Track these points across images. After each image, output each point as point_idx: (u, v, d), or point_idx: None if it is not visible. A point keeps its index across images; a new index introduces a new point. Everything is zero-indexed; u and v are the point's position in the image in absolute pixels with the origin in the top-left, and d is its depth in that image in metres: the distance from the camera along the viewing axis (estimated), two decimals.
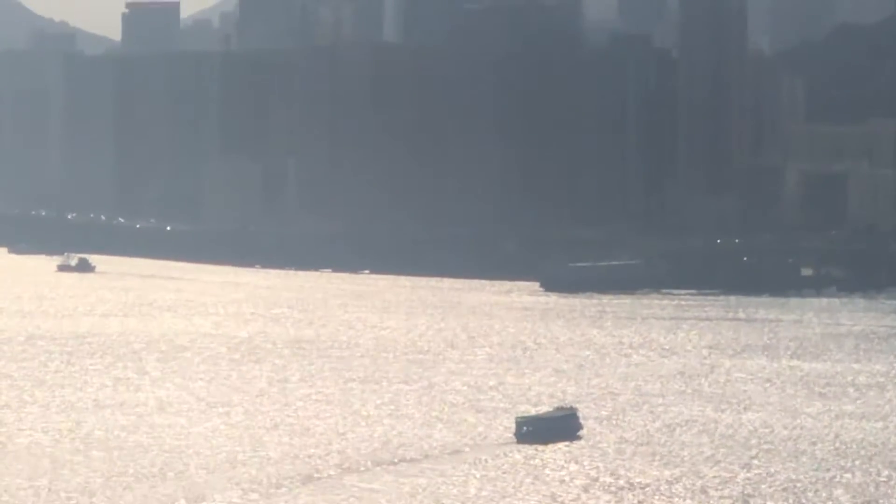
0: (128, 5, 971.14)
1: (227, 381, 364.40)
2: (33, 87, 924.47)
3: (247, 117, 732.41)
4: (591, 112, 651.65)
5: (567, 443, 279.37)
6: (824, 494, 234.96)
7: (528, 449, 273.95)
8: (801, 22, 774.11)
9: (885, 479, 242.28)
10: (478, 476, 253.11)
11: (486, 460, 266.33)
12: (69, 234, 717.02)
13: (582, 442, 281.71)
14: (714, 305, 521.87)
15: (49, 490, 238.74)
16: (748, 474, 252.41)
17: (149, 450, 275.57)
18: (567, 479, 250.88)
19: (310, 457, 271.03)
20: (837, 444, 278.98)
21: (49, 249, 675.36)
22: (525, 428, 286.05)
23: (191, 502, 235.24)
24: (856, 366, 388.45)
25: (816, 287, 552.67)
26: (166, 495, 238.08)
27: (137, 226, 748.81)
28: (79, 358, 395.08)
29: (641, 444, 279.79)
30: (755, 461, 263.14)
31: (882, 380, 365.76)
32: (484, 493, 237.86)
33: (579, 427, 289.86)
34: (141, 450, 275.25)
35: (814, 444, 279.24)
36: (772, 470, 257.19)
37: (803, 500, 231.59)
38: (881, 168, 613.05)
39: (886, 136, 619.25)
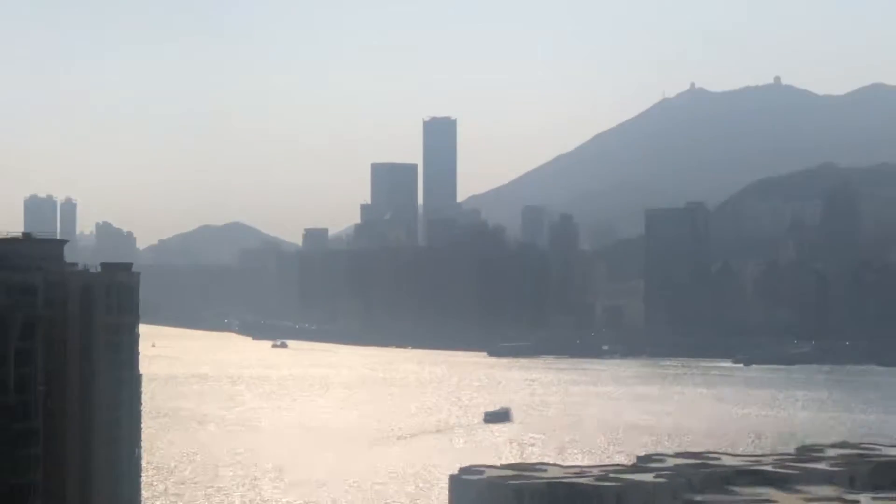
0: (306, 230, 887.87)
1: (349, 397, 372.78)
2: (280, 267, 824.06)
3: (359, 281, 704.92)
4: (511, 278, 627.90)
5: (507, 424, 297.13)
6: (613, 450, 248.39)
7: (490, 426, 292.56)
8: (602, 233, 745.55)
9: (652, 443, 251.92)
10: (468, 438, 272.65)
11: (470, 431, 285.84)
12: (275, 330, 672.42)
13: (515, 423, 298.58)
14: (564, 363, 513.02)
15: (273, 451, 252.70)
16: (584, 438, 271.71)
17: (313, 430, 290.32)
18: (509, 438, 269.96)
19: (386, 430, 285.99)
20: (631, 427, 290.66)
21: (266, 336, 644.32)
22: (488, 416, 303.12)
23: (329, 451, 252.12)
24: (630, 389, 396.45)
25: (610, 354, 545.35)
26: (321, 448, 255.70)
27: (297, 326, 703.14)
28: (280, 387, 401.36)
29: (542, 425, 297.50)
30: (590, 434, 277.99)
31: (643, 395, 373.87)
32: (473, 444, 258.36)
33: (511, 416, 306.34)
34: (305, 429, 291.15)
35: (616, 427, 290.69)
36: (589, 435, 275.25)
37: (602, 452, 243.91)
38: (638, 303, 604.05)
39: (639, 289, 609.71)
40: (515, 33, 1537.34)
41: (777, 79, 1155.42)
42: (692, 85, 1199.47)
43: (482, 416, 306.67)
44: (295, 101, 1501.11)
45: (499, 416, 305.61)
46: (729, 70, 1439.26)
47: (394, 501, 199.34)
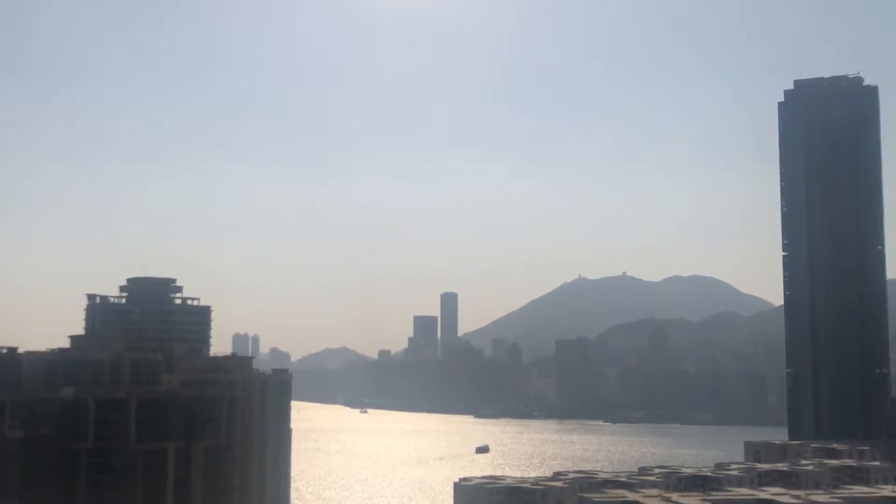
0: (379, 350, 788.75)
1: (396, 438, 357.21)
2: (365, 370, 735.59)
3: (407, 378, 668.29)
4: (486, 376, 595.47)
5: (487, 454, 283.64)
6: (540, 468, 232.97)
7: (477, 455, 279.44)
8: (534, 352, 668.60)
9: (559, 465, 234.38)
10: (464, 461, 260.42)
11: (466, 457, 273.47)
12: (361, 403, 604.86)
13: (491, 454, 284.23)
14: (513, 421, 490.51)
15: (358, 469, 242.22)
16: (538, 461, 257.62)
17: (377, 454, 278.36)
18: (488, 462, 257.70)
19: (417, 455, 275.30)
20: (548, 456, 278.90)
21: (357, 406, 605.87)
22: (476, 449, 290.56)
23: (385, 466, 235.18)
24: (547, 436, 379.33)
25: (537, 417, 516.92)
26: (380, 464, 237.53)
27: (373, 401, 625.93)
28: (364, 435, 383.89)
29: (505, 454, 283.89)
30: (527, 459, 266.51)
31: (554, 439, 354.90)
32: (469, 466, 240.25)
33: (489, 449, 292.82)
34: (376, 457, 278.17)
35: (540, 455, 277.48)
36: (527, 459, 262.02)
37: (534, 469, 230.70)
38: (553, 389, 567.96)
39: (553, 382, 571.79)
40: (489, 239, 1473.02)
41: (624, 272, 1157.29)
42: (579, 275, 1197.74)
43: (473, 449, 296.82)
44: (374, 279, 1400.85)
45: (482, 449, 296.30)
46: (598, 266, 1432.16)
47: (421, 496, 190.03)
